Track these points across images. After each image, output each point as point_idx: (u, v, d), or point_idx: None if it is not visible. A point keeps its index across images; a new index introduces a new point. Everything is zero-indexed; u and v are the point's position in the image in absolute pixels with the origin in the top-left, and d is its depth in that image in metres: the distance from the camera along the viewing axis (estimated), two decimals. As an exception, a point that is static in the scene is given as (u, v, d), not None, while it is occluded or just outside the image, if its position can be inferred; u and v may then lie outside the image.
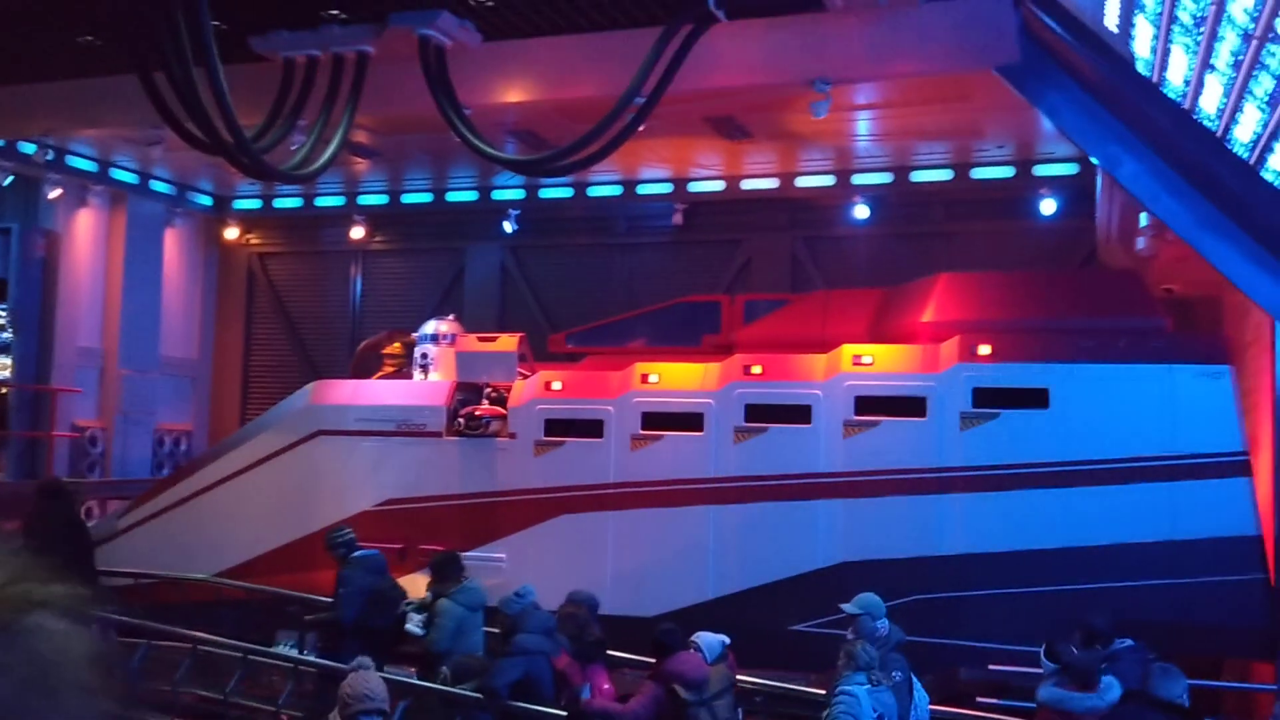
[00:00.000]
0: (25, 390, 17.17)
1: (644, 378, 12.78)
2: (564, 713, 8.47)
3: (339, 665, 9.34)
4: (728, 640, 8.44)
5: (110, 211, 18.38)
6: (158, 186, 18.73)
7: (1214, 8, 10.33)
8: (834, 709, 6.92)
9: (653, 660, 8.37)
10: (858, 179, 16.15)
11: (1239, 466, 10.73)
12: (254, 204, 19.98)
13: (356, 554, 10.35)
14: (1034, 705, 8.06)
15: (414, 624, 9.59)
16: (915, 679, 8.01)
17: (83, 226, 18.05)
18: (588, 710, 8.25)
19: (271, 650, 9.95)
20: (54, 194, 16.78)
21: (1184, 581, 10.61)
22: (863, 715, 6.84)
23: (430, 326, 14.63)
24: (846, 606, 8.18)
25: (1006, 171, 15.53)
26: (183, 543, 11.21)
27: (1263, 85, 9.88)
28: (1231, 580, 10.53)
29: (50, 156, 16.29)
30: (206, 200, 19.86)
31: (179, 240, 19.82)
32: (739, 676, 8.76)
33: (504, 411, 13.33)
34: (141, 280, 18.63)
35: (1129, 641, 7.83)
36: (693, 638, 8.34)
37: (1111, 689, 7.31)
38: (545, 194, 17.89)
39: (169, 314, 19.48)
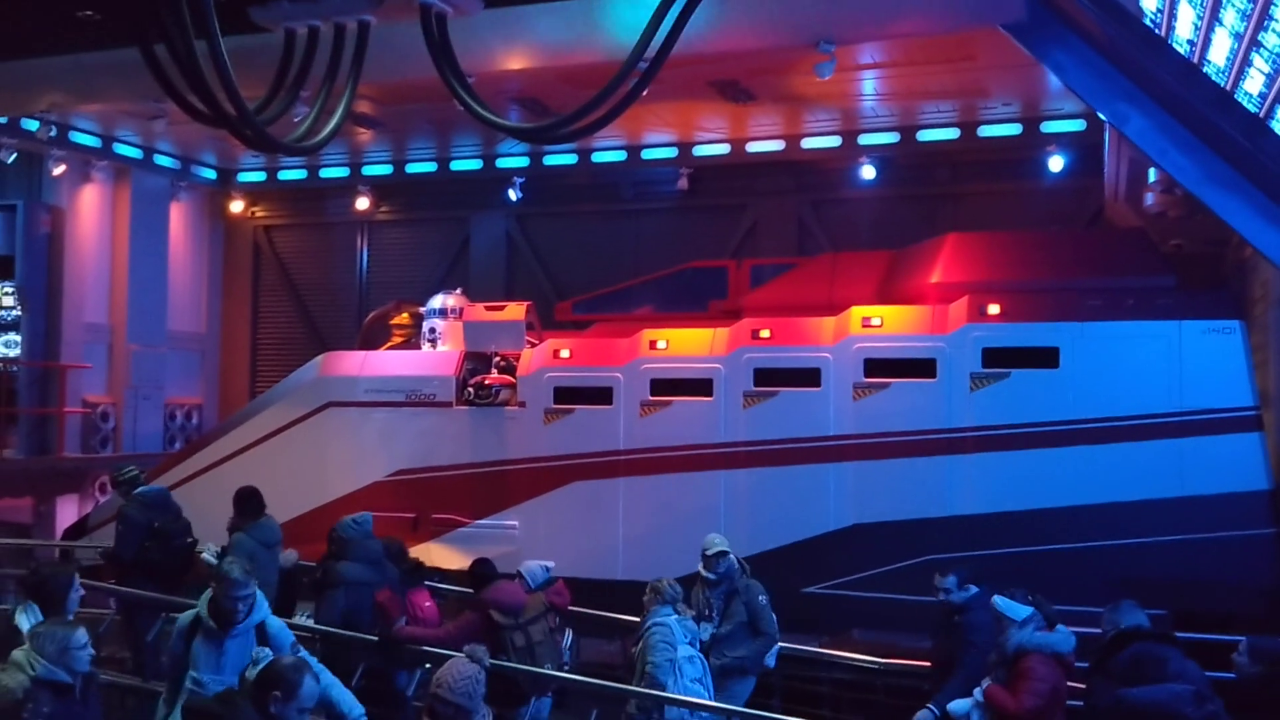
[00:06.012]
0: (34, 367, 17.23)
1: (652, 344, 12.78)
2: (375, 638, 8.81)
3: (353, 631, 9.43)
4: (551, 566, 9.13)
5: (114, 186, 18.39)
6: (162, 160, 18.71)
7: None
8: (651, 637, 7.80)
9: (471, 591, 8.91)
10: (864, 140, 16.03)
11: (1251, 421, 10.71)
12: (258, 176, 19.94)
13: (137, 490, 10.50)
14: None
15: (209, 553, 9.77)
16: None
17: (87, 202, 18.05)
18: (399, 635, 8.69)
19: (290, 620, 10.00)
20: (58, 170, 16.75)
21: (1196, 537, 10.62)
22: (677, 641, 7.77)
23: (438, 301, 14.64)
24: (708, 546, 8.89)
25: (1013, 129, 15.39)
26: (196, 517, 11.31)
27: (1271, 38, 9.77)
28: (1243, 535, 10.53)
29: (53, 132, 16.24)
30: (211, 173, 19.83)
31: (184, 214, 19.82)
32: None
33: (513, 380, 13.35)
34: (147, 255, 18.65)
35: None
36: (519, 566, 9.05)
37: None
38: (549, 161, 17.81)
39: (176, 288, 19.52)
